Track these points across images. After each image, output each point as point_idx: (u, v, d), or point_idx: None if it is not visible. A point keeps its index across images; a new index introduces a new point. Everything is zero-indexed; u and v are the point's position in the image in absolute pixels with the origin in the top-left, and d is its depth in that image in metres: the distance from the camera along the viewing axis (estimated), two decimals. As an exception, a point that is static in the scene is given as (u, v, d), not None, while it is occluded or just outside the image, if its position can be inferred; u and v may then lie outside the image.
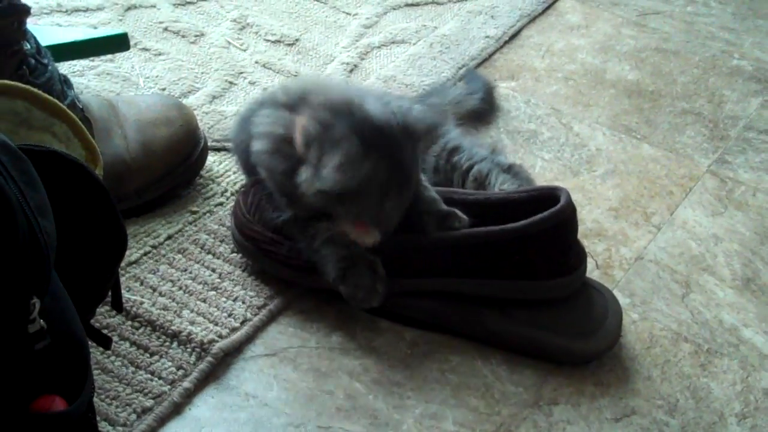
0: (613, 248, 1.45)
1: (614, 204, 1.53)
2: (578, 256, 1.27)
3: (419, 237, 1.23)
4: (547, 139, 1.65)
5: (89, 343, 1.00)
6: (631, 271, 1.41)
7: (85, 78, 1.66)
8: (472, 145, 1.45)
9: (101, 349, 1.12)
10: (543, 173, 1.58)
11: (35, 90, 1.06)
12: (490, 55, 1.84)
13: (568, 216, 1.24)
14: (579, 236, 1.29)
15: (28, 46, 1.25)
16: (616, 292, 1.34)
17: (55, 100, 1.06)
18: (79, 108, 1.32)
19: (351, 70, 1.75)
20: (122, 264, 1.28)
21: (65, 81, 1.34)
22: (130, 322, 1.22)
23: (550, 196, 1.26)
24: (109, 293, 1.05)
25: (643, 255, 1.44)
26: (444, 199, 1.27)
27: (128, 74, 1.68)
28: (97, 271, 0.98)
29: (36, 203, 0.82)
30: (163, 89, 1.65)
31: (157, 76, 1.68)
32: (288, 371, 1.21)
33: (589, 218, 1.49)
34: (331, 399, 1.17)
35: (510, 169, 1.41)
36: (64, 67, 1.63)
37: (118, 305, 1.05)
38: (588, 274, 1.32)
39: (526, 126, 1.68)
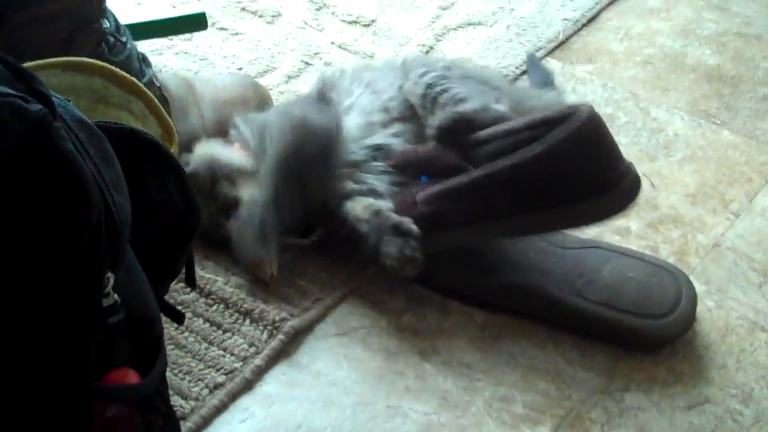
0: (690, 235, 1.42)
1: (691, 190, 1.51)
2: (617, 171, 1.23)
3: (442, 185, 1.24)
4: (624, 124, 1.63)
5: (163, 318, 1.01)
6: (708, 259, 1.38)
7: (164, 57, 1.67)
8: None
9: (175, 325, 1.14)
10: (619, 158, 1.55)
11: (113, 68, 1.07)
12: (568, 38, 1.82)
13: (591, 127, 1.21)
14: (654, 221, 1.27)
15: (108, 25, 1.27)
16: (691, 280, 1.32)
17: (133, 78, 1.08)
18: (156, 86, 1.34)
19: (427, 52, 1.74)
20: (200, 244, 1.29)
21: (143, 59, 1.36)
22: (204, 300, 1.24)
23: (573, 113, 1.22)
24: (183, 270, 1.05)
25: (720, 242, 1.41)
26: (461, 144, 1.28)
27: (206, 53, 1.69)
28: (171, 246, 0.99)
29: (111, 179, 0.82)
30: (240, 69, 1.65)
31: (234, 56, 1.69)
32: (358, 351, 1.21)
33: (665, 204, 1.47)
34: (400, 379, 1.17)
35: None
36: (144, 46, 1.64)
37: (191, 282, 1.06)
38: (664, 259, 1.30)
39: (602, 110, 1.66)
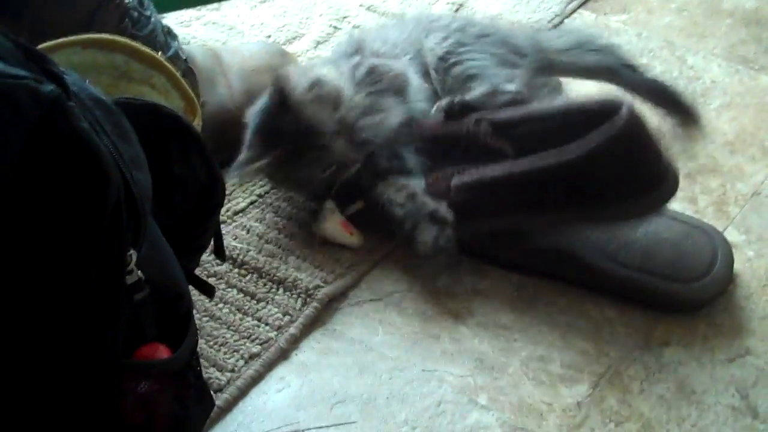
0: (729, 184, 1.40)
1: (730, 138, 1.48)
2: (656, 172, 1.20)
3: (477, 174, 1.23)
4: (659, 73, 1.60)
5: (194, 291, 1.02)
6: (747, 207, 1.36)
7: (192, 28, 1.67)
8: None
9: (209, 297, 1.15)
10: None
11: (133, 43, 1.07)
12: (601, -11, 1.80)
13: (633, 130, 1.17)
14: (692, 171, 1.25)
15: (129, 0, 1.27)
16: (730, 230, 1.31)
17: (153, 53, 1.08)
18: (182, 59, 1.33)
19: (457, 9, 1.72)
20: (228, 213, 1.30)
21: (169, 32, 1.35)
22: (237, 270, 1.24)
23: (612, 109, 1.19)
24: (212, 242, 1.06)
25: (760, 190, 1.39)
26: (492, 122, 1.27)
27: (234, 23, 1.68)
28: (197, 220, 1.00)
29: (130, 155, 0.83)
30: (269, 36, 1.65)
31: (262, 24, 1.69)
32: (393, 316, 1.21)
33: (702, 153, 1.45)
34: (436, 342, 1.17)
35: None
36: (171, 18, 1.65)
37: (220, 254, 1.07)
38: (702, 211, 1.29)
39: (638, 60, 1.63)
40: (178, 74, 1.09)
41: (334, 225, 1.25)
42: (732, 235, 1.30)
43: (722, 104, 1.55)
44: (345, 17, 1.70)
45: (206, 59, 1.39)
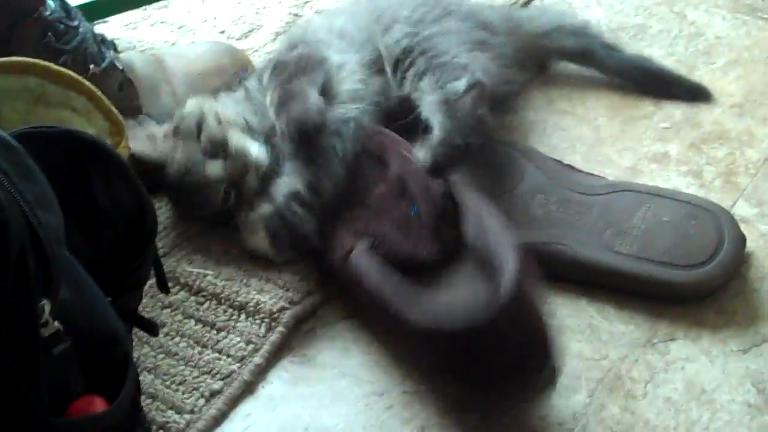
0: (738, 152, 1.39)
1: (738, 99, 1.47)
2: (539, 358, 1.08)
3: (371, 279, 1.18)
4: (656, 33, 1.59)
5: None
6: (759, 176, 1.35)
7: (139, 30, 1.67)
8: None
9: (165, 332, 1.18)
10: (653, 73, 1.52)
11: (46, 63, 1.07)
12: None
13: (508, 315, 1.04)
14: (695, 141, 1.26)
15: (51, 11, 1.26)
16: (741, 203, 1.30)
17: (70, 72, 1.07)
18: (119, 69, 1.33)
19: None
20: (181, 235, 1.29)
21: (103, 41, 1.36)
22: (194, 298, 1.24)
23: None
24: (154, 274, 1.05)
25: (772, 156, 1.38)
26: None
27: (184, 20, 1.68)
28: (129, 253, 0.99)
29: (35, 196, 0.82)
30: (222, 32, 1.65)
31: (215, 18, 1.69)
32: (369, 335, 1.20)
33: (707, 119, 1.44)
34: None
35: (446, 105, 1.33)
36: (114, 22, 1.65)
37: (163, 286, 1.07)
38: (708, 185, 1.30)
39: (632, 20, 1.63)
40: (99, 93, 1.08)
41: (256, 237, 1.25)
42: (743, 209, 1.29)
43: (728, 62, 1.53)
44: (306, 2, 1.70)
45: (147, 66, 1.39)
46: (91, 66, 1.28)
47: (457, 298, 1.16)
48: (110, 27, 1.68)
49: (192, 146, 1.27)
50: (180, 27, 1.67)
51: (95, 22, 1.61)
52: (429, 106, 1.32)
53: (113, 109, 1.08)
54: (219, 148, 1.27)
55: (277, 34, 1.64)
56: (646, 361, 1.15)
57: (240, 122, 1.30)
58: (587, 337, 1.17)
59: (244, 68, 1.43)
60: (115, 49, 1.43)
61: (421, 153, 1.27)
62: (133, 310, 1.04)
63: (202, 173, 1.26)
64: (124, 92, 1.33)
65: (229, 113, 1.30)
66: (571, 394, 1.12)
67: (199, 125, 1.28)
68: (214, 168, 1.26)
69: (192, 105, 1.31)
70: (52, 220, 0.83)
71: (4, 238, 0.76)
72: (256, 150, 1.28)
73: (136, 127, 1.26)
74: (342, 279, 1.20)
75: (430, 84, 1.33)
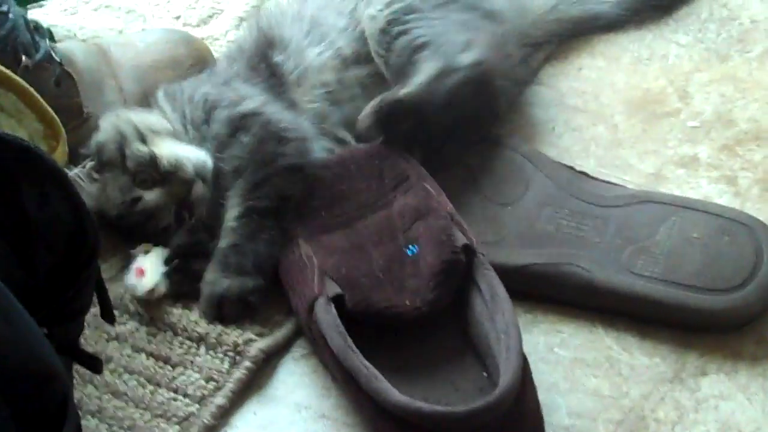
0: (777, 154, 1.39)
1: (777, 93, 1.46)
2: None
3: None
4: (683, 17, 1.59)
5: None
6: (803, 183, 1.35)
7: (79, 16, 1.67)
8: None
9: (111, 367, 1.17)
10: (679, 63, 1.52)
11: (-31, 55, 1.06)
12: None
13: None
14: (728, 142, 1.32)
15: (-27, -4, 1.26)
16: (783, 214, 1.29)
17: (-1, 67, 1.06)
18: (56, 61, 1.33)
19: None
20: (135, 254, 1.28)
21: (36, 29, 1.35)
22: (145, 329, 1.23)
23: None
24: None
25: (817, 159, 1.38)
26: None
27: (133, 5, 1.67)
28: (68, 276, 0.98)
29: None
30: (178, 18, 1.64)
31: (168, 2, 1.67)
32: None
33: (742, 117, 1.43)
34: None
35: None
36: (52, 6, 1.64)
37: (108, 314, 1.06)
38: (743, 193, 1.29)
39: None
40: (31, 90, 1.07)
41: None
42: (784, 222, 1.28)
43: (765, 50, 1.53)
44: (273, -17, 1.69)
45: (89, 58, 1.38)
46: (23, 58, 1.27)
47: (437, 379, 1.15)
48: (46, 12, 1.67)
49: (121, 178, 1.27)
50: (128, 12, 1.66)
51: (28, 6, 1.61)
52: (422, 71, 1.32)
53: (48, 108, 1.08)
54: (151, 170, 1.26)
55: (241, 19, 1.63)
56: (674, 399, 1.14)
57: (165, 128, 1.30)
58: (605, 372, 1.17)
59: (202, 59, 1.41)
60: (52, 38, 1.42)
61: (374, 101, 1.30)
62: (73, 343, 1.02)
63: (142, 206, 1.26)
64: (62, 88, 1.32)
65: (150, 120, 1.30)
66: (586, 438, 1.10)
67: (122, 150, 1.27)
68: (154, 196, 1.26)
69: (107, 127, 1.30)
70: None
71: None
72: (193, 157, 1.28)
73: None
74: (308, 330, 1.19)
75: (428, 55, 1.33)
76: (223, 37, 1.60)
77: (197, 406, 1.16)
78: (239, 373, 1.18)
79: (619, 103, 1.48)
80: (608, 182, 1.31)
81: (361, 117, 1.31)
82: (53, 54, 1.33)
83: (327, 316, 1.14)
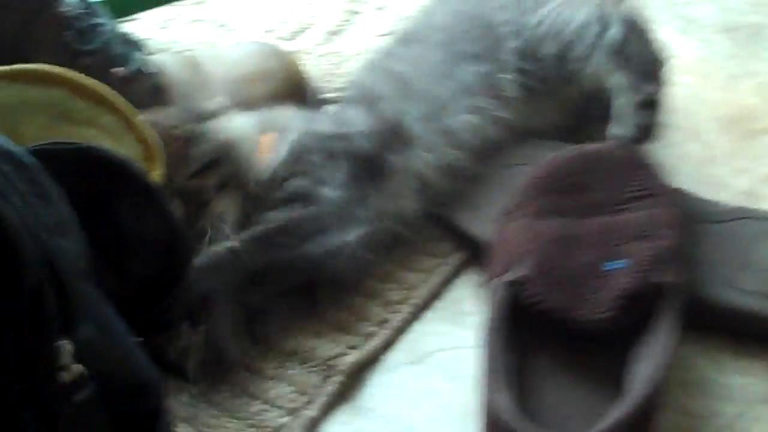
0: None
1: None
2: None
3: None
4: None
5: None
6: None
7: (172, 30, 1.68)
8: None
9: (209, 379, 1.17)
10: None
11: (76, 75, 1.08)
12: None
13: None
14: None
15: (67, 7, 1.27)
16: None
17: (102, 87, 1.08)
18: (149, 74, 1.34)
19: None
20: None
21: (129, 42, 1.36)
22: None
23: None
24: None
25: None
26: None
27: (224, 18, 1.68)
28: (161, 288, 0.99)
29: (53, 220, 0.82)
30: (269, 31, 1.64)
31: (260, 15, 1.69)
32: (440, 381, 1.19)
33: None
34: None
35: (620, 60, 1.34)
36: (148, 19, 1.66)
37: (194, 324, 1.07)
38: None
39: (747, 18, 1.60)
40: (131, 111, 1.08)
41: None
42: None
43: None
44: (365, -4, 1.69)
45: (182, 70, 1.39)
46: (117, 69, 1.28)
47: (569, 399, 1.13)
48: (140, 26, 1.68)
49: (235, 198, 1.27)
50: (220, 26, 1.67)
51: (121, 20, 1.62)
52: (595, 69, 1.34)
53: (147, 130, 1.09)
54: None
55: (332, 33, 1.63)
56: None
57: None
58: (697, 391, 1.15)
59: (292, 74, 1.42)
60: (144, 51, 1.43)
61: (616, 128, 1.29)
62: (168, 353, 1.03)
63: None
64: (156, 99, 1.33)
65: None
66: (676, 457, 1.09)
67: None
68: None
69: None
70: (72, 248, 0.83)
71: (17, 268, 0.76)
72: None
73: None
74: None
75: (578, 53, 1.35)
76: (314, 51, 1.60)
77: (289, 417, 1.16)
78: (330, 387, 1.18)
79: (712, 120, 1.46)
80: (704, 199, 1.29)
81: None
82: (146, 67, 1.34)
83: (496, 297, 1.14)
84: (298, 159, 1.27)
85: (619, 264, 1.15)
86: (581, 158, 1.26)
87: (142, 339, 0.96)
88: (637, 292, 1.12)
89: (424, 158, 1.32)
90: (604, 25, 1.35)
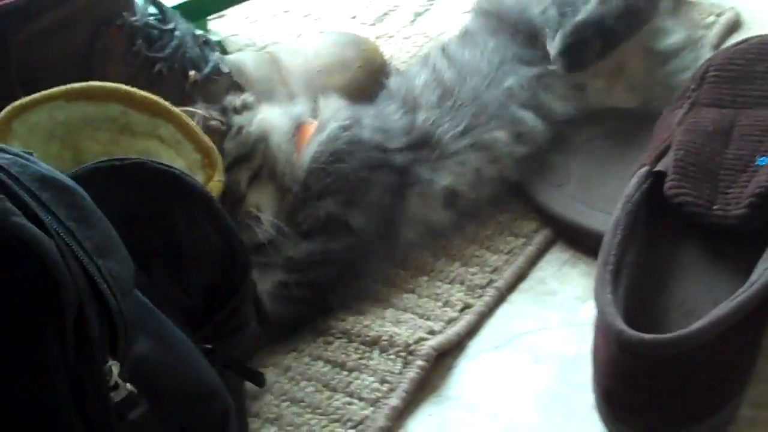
0: None
1: None
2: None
3: None
4: None
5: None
6: None
7: (260, 24, 1.69)
8: None
9: (289, 376, 1.19)
10: None
11: (128, 88, 1.10)
12: None
13: None
14: None
15: (137, 15, 1.29)
16: None
17: (156, 98, 1.10)
18: (226, 73, 1.35)
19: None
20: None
21: (206, 43, 1.37)
22: (322, 338, 1.24)
23: None
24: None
25: None
26: None
27: (308, 9, 1.70)
28: (222, 297, 1.00)
29: (94, 243, 0.83)
30: (354, 17, 1.65)
31: (343, 3, 1.69)
32: (526, 364, 1.18)
33: None
34: (581, 394, 1.12)
35: None
36: (234, 16, 1.67)
37: (264, 322, 1.09)
38: None
39: None
40: (189, 121, 1.10)
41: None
42: None
43: None
44: (450, -26, 1.68)
45: (261, 67, 1.40)
46: (191, 73, 1.30)
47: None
48: (227, 22, 1.70)
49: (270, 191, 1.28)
50: (305, 16, 1.68)
51: (210, 18, 1.64)
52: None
53: (205, 138, 1.10)
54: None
55: (417, 14, 1.63)
56: None
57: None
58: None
59: (370, 60, 1.42)
60: (224, 51, 1.45)
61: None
62: (237, 358, 1.04)
63: None
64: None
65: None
66: (754, 428, 1.07)
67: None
68: None
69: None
70: (116, 268, 0.84)
71: (58, 302, 0.78)
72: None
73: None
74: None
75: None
76: (399, 34, 1.60)
77: (371, 408, 1.16)
78: (412, 373, 1.18)
79: None
80: None
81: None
82: (222, 66, 1.35)
83: (633, 186, 1.13)
84: (333, 163, 1.26)
85: (763, 160, 1.12)
86: (760, 46, 1.23)
87: (210, 347, 0.99)
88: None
89: (455, 171, 1.32)
90: None
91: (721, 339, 0.99)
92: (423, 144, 1.31)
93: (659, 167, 1.15)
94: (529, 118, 1.35)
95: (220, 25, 1.69)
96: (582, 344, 1.14)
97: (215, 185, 1.14)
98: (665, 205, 1.13)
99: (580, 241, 1.29)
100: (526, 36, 1.38)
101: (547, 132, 1.35)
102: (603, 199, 1.27)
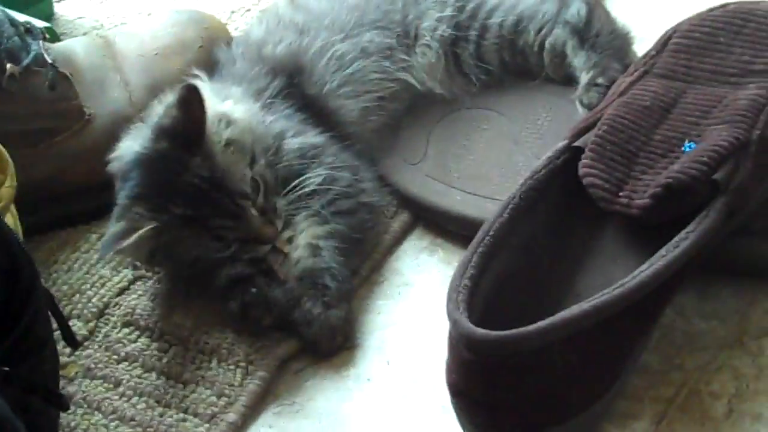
0: None
1: None
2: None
3: None
4: None
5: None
6: None
7: (106, 5, 1.61)
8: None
9: (120, 391, 1.12)
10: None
11: None
12: None
13: None
14: None
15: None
16: None
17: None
18: (49, 63, 1.27)
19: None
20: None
21: (28, 31, 1.28)
22: (156, 344, 1.16)
23: None
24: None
25: None
26: None
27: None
28: (9, 315, 0.93)
29: None
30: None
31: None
32: (375, 367, 1.12)
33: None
34: (441, 393, 1.02)
35: (585, 39, 1.29)
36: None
37: (70, 340, 1.03)
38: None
39: None
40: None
41: None
42: None
43: None
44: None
45: (92, 54, 1.32)
46: (8, 65, 1.21)
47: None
48: (75, 4, 1.62)
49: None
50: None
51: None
52: (554, 47, 1.30)
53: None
54: None
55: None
56: (732, 367, 1.03)
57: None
58: (656, 343, 1.05)
59: (213, 39, 1.33)
60: (55, 38, 1.36)
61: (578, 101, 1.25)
62: (42, 380, 0.97)
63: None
64: (58, 91, 1.25)
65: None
66: (629, 421, 1.00)
67: None
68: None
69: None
70: None
71: None
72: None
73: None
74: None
75: (534, 26, 1.31)
76: (255, 7, 1.51)
77: (206, 425, 1.08)
78: (252, 385, 1.10)
79: None
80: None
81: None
82: (45, 56, 1.26)
83: (541, 161, 1.06)
84: None
85: (689, 147, 1.03)
86: (731, 14, 1.15)
87: (6, 369, 0.91)
88: (678, 183, 0.99)
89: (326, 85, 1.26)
90: (563, 1, 1.31)
91: (587, 335, 0.93)
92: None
93: (579, 143, 1.06)
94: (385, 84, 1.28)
95: (67, 7, 1.60)
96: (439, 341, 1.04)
97: (7, 192, 1.05)
98: (582, 186, 1.04)
99: (441, 224, 1.22)
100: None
101: (404, 101, 1.30)
102: (462, 177, 1.21)
